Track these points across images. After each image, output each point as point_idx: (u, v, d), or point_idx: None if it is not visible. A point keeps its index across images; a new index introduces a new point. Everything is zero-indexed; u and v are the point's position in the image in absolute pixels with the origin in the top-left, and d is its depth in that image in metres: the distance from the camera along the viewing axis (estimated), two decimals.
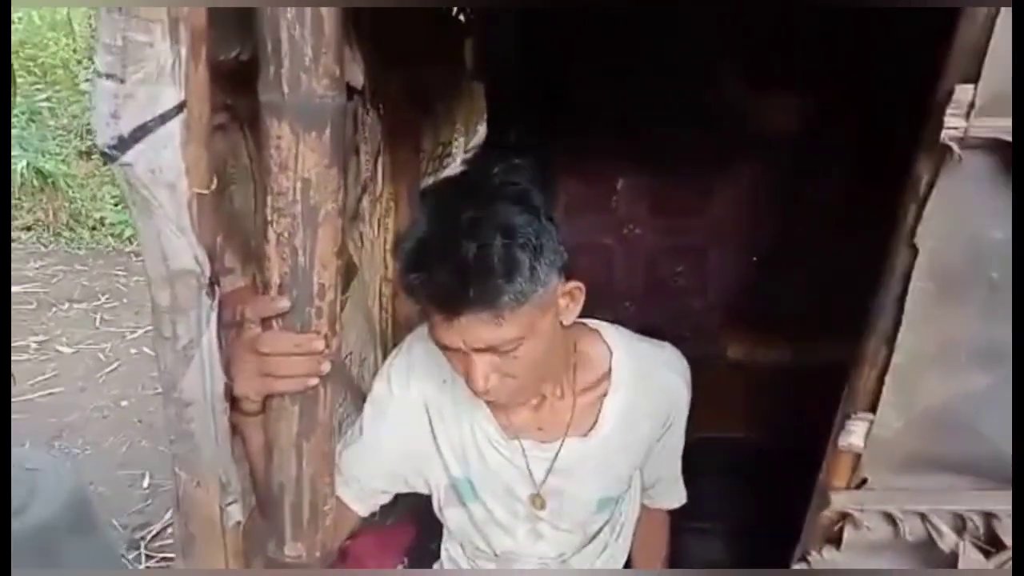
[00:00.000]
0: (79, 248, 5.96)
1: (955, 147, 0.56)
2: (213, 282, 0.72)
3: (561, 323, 0.96)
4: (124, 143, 0.62)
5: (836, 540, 0.68)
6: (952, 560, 0.62)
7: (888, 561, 0.68)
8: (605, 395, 1.12)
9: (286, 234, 0.77)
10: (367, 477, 1.13)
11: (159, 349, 0.73)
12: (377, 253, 1.67)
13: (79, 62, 6.77)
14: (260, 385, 0.84)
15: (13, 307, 4.70)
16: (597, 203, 2.31)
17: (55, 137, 6.45)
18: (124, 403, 3.63)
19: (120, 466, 3.04)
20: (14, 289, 5.06)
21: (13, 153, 5.81)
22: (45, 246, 5.97)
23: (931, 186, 0.56)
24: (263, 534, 0.94)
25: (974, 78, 0.54)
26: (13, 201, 6.03)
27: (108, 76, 0.60)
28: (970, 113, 0.53)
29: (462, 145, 1.87)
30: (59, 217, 6.15)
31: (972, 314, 0.58)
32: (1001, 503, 0.62)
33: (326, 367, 0.84)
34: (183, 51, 0.61)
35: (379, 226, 1.69)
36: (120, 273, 5.54)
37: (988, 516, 0.63)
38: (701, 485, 1.36)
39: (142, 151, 0.63)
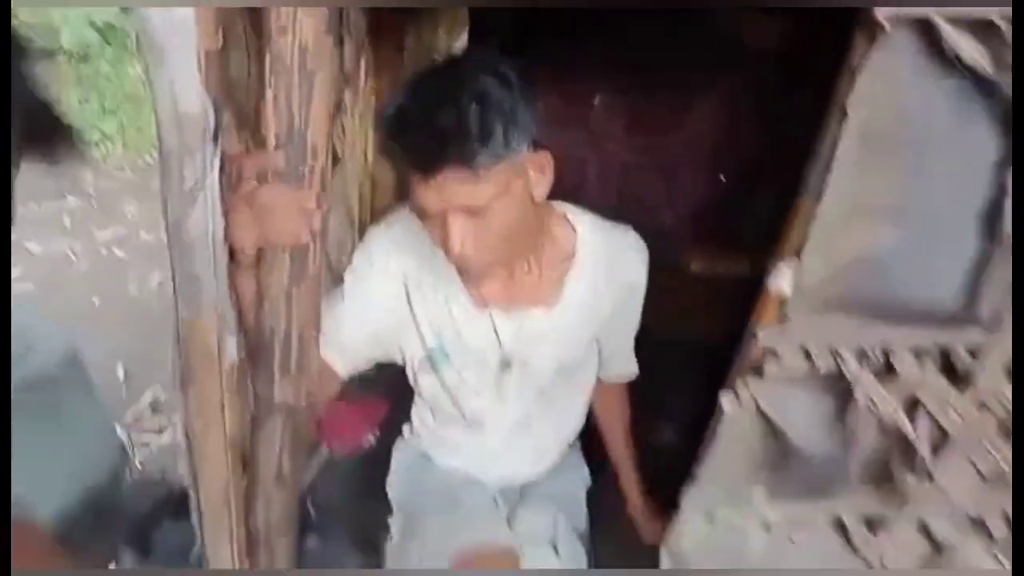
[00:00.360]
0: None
1: (886, 24, 0.64)
2: (216, 129, 0.78)
3: (532, 197, 1.04)
4: None
5: (760, 371, 0.80)
6: (847, 392, 0.73)
7: (801, 397, 0.79)
8: (569, 271, 1.22)
9: (283, 95, 0.83)
10: (347, 341, 1.22)
11: (167, 192, 0.80)
12: (358, 146, 1.72)
13: None
14: (255, 237, 0.91)
15: None
16: (574, 119, 2.36)
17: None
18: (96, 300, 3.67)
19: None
20: None
21: None
22: None
23: (864, 59, 0.64)
24: (254, 377, 1.03)
25: None
26: None
27: None
28: None
29: (444, 48, 1.90)
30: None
31: (892, 175, 0.66)
32: (897, 340, 0.73)
33: (317, 223, 0.92)
34: None
35: (360, 120, 1.74)
36: (87, 176, 5.47)
37: (886, 352, 0.74)
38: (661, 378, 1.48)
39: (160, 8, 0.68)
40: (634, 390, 1.48)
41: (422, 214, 1.01)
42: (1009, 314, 0.68)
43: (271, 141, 0.87)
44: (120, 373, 2.91)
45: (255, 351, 1.02)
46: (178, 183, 0.80)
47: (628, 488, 1.45)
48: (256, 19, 0.87)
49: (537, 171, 1.02)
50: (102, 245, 4.29)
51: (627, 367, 1.44)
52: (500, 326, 1.24)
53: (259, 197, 0.89)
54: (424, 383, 1.34)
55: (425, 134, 0.90)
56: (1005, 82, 0.64)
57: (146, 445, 2.28)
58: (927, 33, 0.67)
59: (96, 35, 6.18)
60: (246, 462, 1.10)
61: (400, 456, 1.44)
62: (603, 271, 1.24)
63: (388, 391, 1.65)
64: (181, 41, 0.74)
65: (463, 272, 1.12)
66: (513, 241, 1.07)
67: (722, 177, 2.50)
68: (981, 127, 0.66)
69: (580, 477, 1.46)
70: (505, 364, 1.27)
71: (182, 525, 1.23)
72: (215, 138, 0.79)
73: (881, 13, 0.63)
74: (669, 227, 2.43)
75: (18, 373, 1.24)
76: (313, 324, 1.05)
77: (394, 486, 1.41)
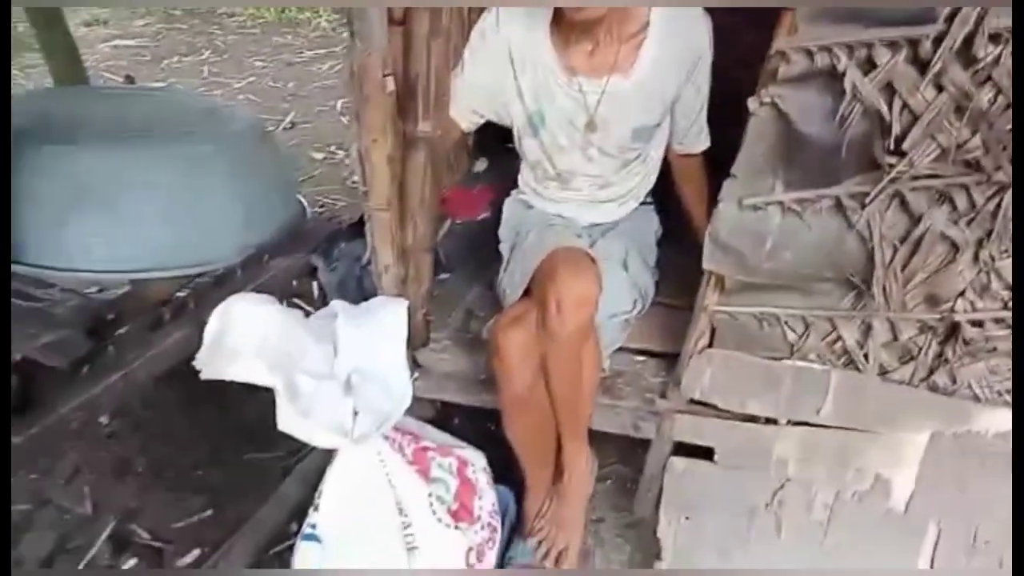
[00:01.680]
0: (175, 9, 6.32)
1: None
2: None
3: None
4: None
5: (775, 75, 1.07)
6: (841, 88, 0.99)
7: (808, 94, 1.06)
8: (643, 42, 1.49)
9: None
10: (467, 100, 1.57)
11: None
12: None
13: None
14: None
15: (130, 58, 5.21)
16: None
17: None
18: None
19: None
20: (127, 43, 5.54)
21: None
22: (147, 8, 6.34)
23: None
24: (404, 116, 1.39)
25: None
26: None
27: None
28: None
29: None
30: None
31: None
32: (875, 37, 0.98)
33: None
34: None
35: None
36: (216, 31, 5.95)
37: (868, 46, 1.00)
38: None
39: None
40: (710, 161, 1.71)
41: None
42: (961, 10, 0.93)
43: None
44: None
45: (404, 92, 1.38)
46: None
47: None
48: None
49: None
50: (236, 92, 4.79)
51: (700, 139, 1.71)
52: (587, 91, 1.54)
53: None
54: (526, 144, 1.68)
55: None
56: None
57: None
58: None
59: None
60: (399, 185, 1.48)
61: (509, 207, 1.82)
62: (673, 41, 1.50)
63: (494, 183, 2.03)
64: None
65: (575, 18, 1.35)
66: None
67: None
68: None
69: (652, 224, 1.79)
70: (591, 126, 1.58)
71: (355, 242, 1.67)
72: None
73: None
74: None
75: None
76: (446, 70, 1.39)
77: (504, 228, 1.79)
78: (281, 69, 5.25)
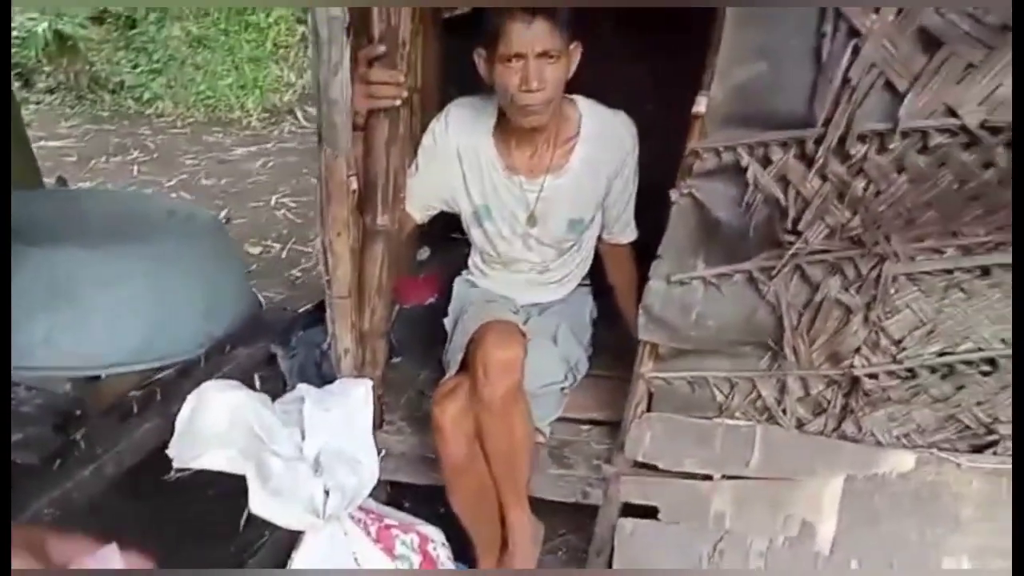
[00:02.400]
0: (103, 110, 6.37)
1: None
2: (349, 27, 1.27)
3: (568, 72, 1.51)
4: None
5: (691, 170, 1.28)
6: (744, 179, 1.20)
7: (718, 185, 1.27)
8: (576, 145, 1.69)
9: (384, 7, 1.32)
10: (419, 196, 1.72)
11: (319, 70, 1.29)
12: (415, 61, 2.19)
13: None
14: (366, 102, 1.40)
15: (56, 160, 5.20)
16: None
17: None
18: None
19: None
20: (54, 144, 5.53)
21: (33, 17, 6.09)
22: (71, 108, 6.36)
23: None
24: (364, 209, 1.53)
25: None
26: (36, 64, 6.36)
27: None
28: None
29: None
30: (80, 80, 6.52)
31: (758, 31, 1.12)
32: (770, 138, 1.20)
33: (404, 93, 1.41)
34: None
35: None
36: (146, 132, 6.02)
37: (765, 146, 1.22)
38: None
39: None
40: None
41: (506, 62, 1.45)
42: (835, 115, 1.15)
43: (376, 36, 1.36)
44: None
45: (365, 190, 1.52)
46: (326, 61, 1.29)
47: (630, 322, 1.88)
48: None
49: (574, 55, 1.51)
50: (168, 191, 4.83)
51: (627, 231, 1.90)
52: (527, 189, 1.72)
53: (369, 75, 1.39)
54: (473, 233, 1.84)
55: None
56: None
57: None
58: None
59: None
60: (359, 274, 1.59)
61: (456, 286, 1.96)
62: (601, 144, 1.71)
63: (440, 271, 2.19)
64: None
65: (522, 111, 1.52)
66: (554, 96, 1.51)
67: None
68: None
69: (587, 304, 1.96)
70: (530, 220, 1.76)
71: (314, 329, 1.76)
72: (347, 32, 1.28)
73: None
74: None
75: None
76: (403, 173, 1.55)
77: (451, 305, 1.92)
78: (213, 167, 5.34)
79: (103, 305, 1.48)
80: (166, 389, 1.64)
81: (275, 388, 1.75)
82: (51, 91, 6.51)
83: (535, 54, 1.42)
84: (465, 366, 1.61)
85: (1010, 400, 1.38)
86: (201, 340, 1.65)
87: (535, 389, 1.66)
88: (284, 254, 3.93)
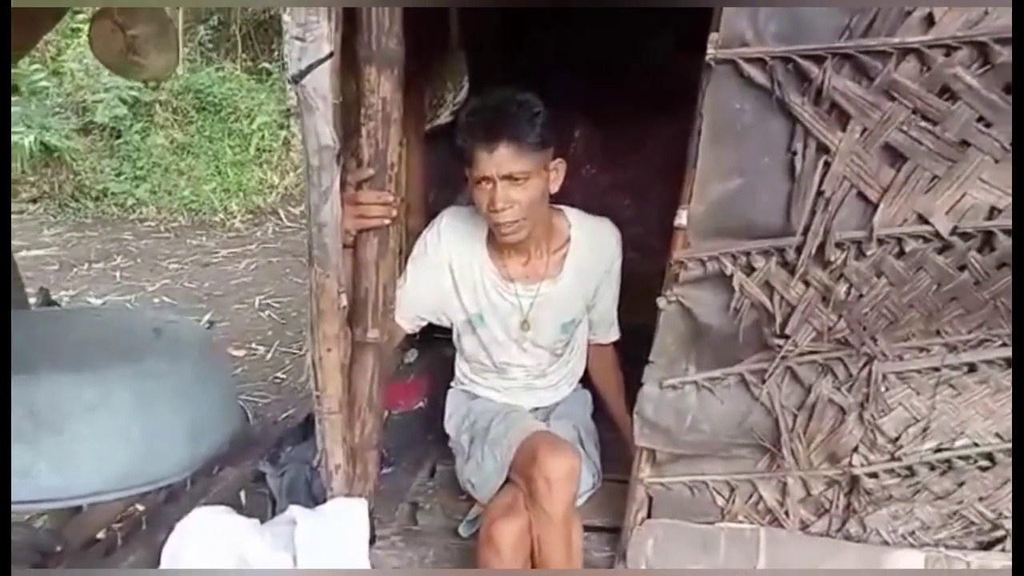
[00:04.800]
0: (86, 217, 6.42)
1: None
2: (339, 155, 1.31)
3: (549, 191, 1.56)
4: (303, 73, 1.21)
5: (678, 279, 1.31)
6: (731, 286, 1.23)
7: (705, 293, 1.29)
8: (567, 254, 1.73)
9: (373, 129, 1.37)
10: (409, 307, 1.73)
11: (311, 193, 1.32)
12: (401, 178, 2.25)
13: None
14: (356, 223, 1.43)
15: (38, 270, 5.19)
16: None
17: (54, 114, 6.84)
18: None
19: None
20: (36, 253, 5.53)
21: (19, 130, 6.22)
22: (54, 216, 6.41)
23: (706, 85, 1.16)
24: (354, 323, 1.53)
25: None
26: (20, 176, 6.44)
27: (297, 38, 1.18)
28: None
29: (450, 101, 2.44)
30: (64, 189, 6.60)
31: (733, 153, 1.18)
32: (752, 248, 1.23)
33: (394, 213, 1.44)
34: (332, 25, 1.20)
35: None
36: (129, 237, 6.05)
37: (747, 255, 1.25)
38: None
39: (311, 77, 1.22)
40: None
41: (477, 183, 1.49)
42: (812, 224, 1.20)
43: (365, 159, 1.40)
44: None
45: (354, 305, 1.53)
46: (317, 187, 1.32)
47: (621, 424, 1.85)
48: (357, 79, 1.38)
49: (555, 172, 1.56)
50: (151, 295, 4.83)
51: (611, 330, 1.92)
52: (521, 295, 1.74)
53: (358, 197, 1.42)
54: (465, 342, 1.84)
55: (491, 117, 1.43)
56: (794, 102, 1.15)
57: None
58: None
59: (126, 109, 6.75)
60: (349, 388, 1.58)
61: (453, 400, 1.93)
62: (589, 251, 1.75)
63: (428, 374, 2.19)
64: (322, 100, 1.27)
65: (498, 229, 1.56)
66: (533, 215, 1.56)
67: None
68: (779, 119, 1.17)
69: (588, 405, 1.95)
70: (525, 325, 1.77)
71: (303, 445, 1.73)
72: (338, 160, 1.32)
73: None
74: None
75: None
76: (392, 287, 1.57)
77: (452, 420, 1.89)
78: (196, 270, 5.35)
79: (88, 433, 1.44)
80: (152, 517, 1.58)
81: (263, 504, 1.71)
82: (34, 200, 6.57)
83: (500, 177, 1.46)
84: (509, 481, 1.60)
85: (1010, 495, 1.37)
86: (188, 462, 1.61)
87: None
88: (269, 356, 3.90)
